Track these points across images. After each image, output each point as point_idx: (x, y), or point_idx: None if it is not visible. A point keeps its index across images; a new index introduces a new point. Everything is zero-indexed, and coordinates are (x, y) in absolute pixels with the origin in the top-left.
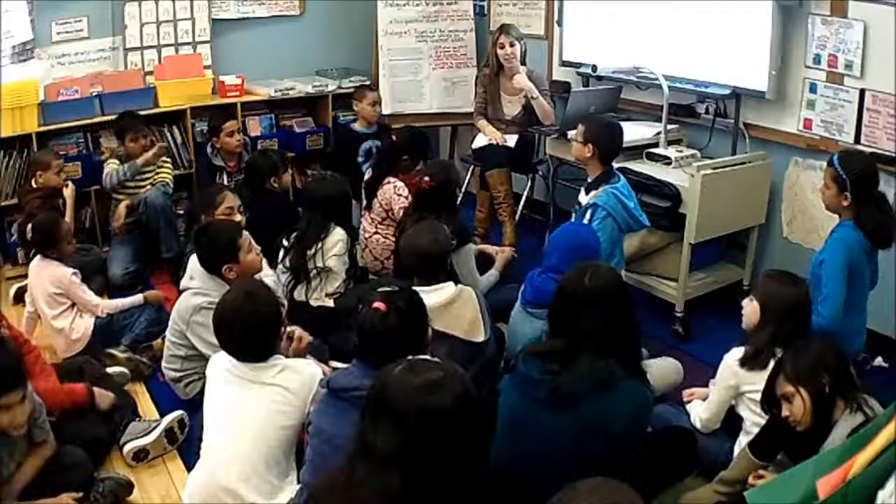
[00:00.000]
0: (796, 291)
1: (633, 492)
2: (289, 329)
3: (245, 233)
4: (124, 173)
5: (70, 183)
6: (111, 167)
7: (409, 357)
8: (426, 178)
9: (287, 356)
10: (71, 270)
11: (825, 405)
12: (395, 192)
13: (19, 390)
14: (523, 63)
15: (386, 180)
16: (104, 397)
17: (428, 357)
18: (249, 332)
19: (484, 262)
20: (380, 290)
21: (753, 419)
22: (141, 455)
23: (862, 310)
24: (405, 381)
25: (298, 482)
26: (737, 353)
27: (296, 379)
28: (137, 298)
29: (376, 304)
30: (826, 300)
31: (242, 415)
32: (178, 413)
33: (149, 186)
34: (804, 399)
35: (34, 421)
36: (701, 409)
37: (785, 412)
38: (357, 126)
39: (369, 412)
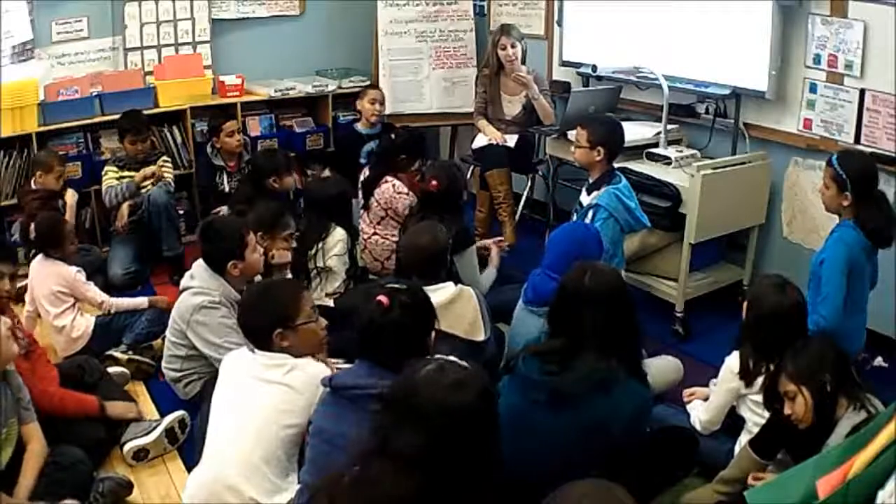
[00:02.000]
0: (780, 301)
1: (625, 492)
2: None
3: (251, 232)
4: (123, 194)
5: (72, 190)
6: (110, 180)
7: (438, 357)
8: (433, 182)
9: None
10: (75, 268)
11: (827, 403)
12: (394, 192)
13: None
14: (523, 63)
15: (383, 179)
16: (117, 408)
17: (453, 358)
18: (247, 317)
19: (480, 258)
20: (386, 285)
21: (755, 420)
22: (141, 455)
23: (862, 310)
24: (433, 380)
25: (299, 482)
26: (737, 355)
27: (302, 377)
28: (142, 301)
29: (379, 298)
30: (826, 300)
31: (248, 413)
32: (179, 413)
33: (149, 186)
34: (805, 398)
35: (18, 402)
36: (701, 411)
37: (787, 410)
38: (359, 126)
39: (393, 412)
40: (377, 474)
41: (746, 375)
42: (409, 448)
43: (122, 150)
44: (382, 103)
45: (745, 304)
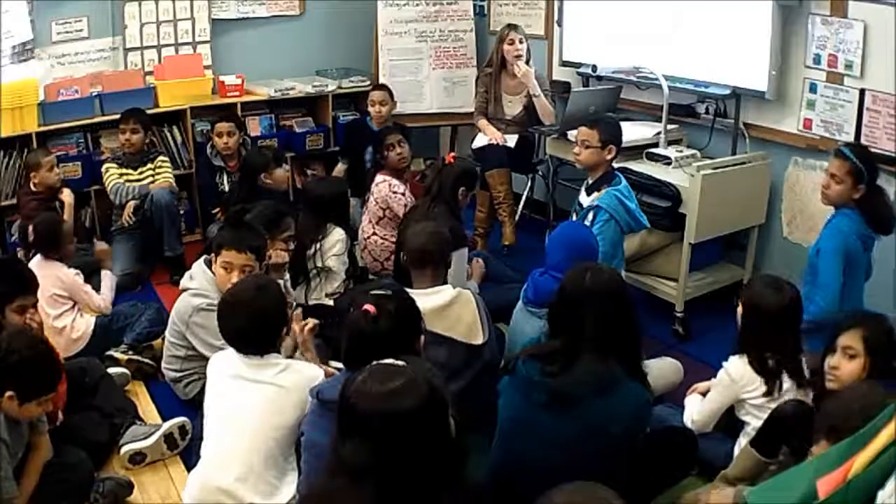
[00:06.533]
0: (779, 298)
1: (613, 494)
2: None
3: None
4: (133, 195)
5: (68, 189)
6: (114, 178)
7: (373, 363)
8: (451, 154)
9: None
10: (74, 270)
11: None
12: (390, 191)
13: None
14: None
15: (380, 178)
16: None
17: (392, 361)
18: (252, 321)
19: None
20: (371, 292)
21: (756, 424)
22: (137, 458)
23: (859, 300)
24: (366, 390)
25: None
26: (735, 360)
27: (294, 379)
28: (110, 276)
29: (366, 307)
30: (823, 288)
31: (241, 415)
32: (179, 420)
33: (150, 187)
34: (865, 364)
35: None
36: (694, 411)
37: (834, 362)
38: (371, 121)
39: (339, 424)
40: (338, 488)
41: (768, 375)
42: (357, 460)
43: (120, 150)
44: (384, 104)
45: (740, 308)
